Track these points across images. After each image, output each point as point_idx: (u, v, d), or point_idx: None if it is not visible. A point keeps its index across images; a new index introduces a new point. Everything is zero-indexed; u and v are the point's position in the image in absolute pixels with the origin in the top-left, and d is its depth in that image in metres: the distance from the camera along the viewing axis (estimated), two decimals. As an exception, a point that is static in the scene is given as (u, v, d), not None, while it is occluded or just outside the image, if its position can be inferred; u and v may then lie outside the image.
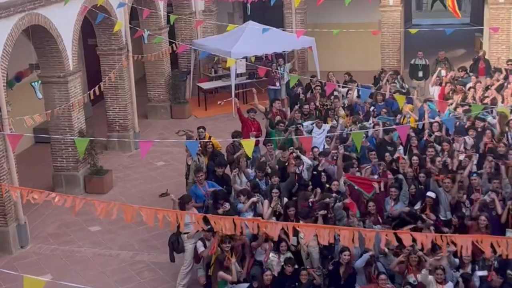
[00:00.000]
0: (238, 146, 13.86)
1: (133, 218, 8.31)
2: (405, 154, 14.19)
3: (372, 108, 16.32)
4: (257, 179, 12.91)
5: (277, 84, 19.97)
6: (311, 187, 12.65)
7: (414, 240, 7.95)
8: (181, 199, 11.87)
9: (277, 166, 13.54)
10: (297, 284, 10.85)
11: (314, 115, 16.10)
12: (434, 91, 18.07)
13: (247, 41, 20.11)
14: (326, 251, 11.47)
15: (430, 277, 10.40)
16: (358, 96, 16.86)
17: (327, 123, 15.72)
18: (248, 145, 10.14)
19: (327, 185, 12.71)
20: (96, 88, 16.35)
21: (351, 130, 14.50)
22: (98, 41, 17.81)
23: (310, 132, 15.29)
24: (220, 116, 20.46)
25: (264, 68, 16.17)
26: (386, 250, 10.95)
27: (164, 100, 20.82)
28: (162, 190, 15.28)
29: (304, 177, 13.24)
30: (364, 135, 13.77)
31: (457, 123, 15.01)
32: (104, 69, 17.81)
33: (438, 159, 13.28)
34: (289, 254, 11.34)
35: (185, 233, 11.59)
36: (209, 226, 11.14)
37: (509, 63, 18.98)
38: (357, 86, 16.53)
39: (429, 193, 11.99)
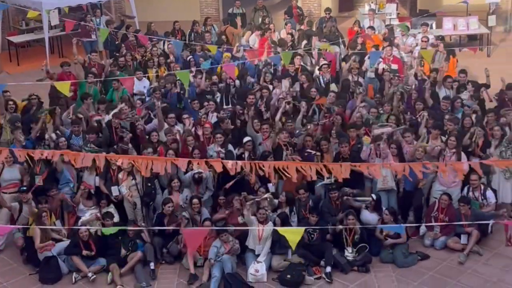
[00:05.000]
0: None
1: None
2: (227, 103, 14.44)
3: (190, 57, 16.28)
4: (73, 135, 12.51)
5: (93, 36, 19.26)
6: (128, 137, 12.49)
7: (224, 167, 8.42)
8: None
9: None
10: (120, 238, 10.83)
11: (131, 67, 15.80)
12: (255, 40, 18.36)
13: (60, -9, 19.11)
14: (147, 198, 11.48)
15: (253, 217, 10.80)
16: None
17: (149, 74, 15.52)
18: (63, 87, 9.87)
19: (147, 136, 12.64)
20: None
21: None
22: None
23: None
24: (35, 71, 19.37)
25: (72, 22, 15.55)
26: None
27: (-31, 56, 19.43)
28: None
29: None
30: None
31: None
32: None
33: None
34: (110, 209, 11.24)
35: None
36: (24, 188, 10.89)
37: (327, 12, 19.66)
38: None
39: (246, 138, 12.25)
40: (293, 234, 9.29)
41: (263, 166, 8.55)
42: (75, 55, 15.96)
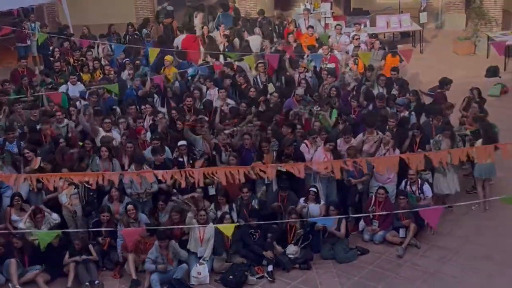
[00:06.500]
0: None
1: None
2: (163, 105, 14.35)
3: (126, 60, 16.12)
4: (7, 142, 12.21)
5: (28, 41, 18.86)
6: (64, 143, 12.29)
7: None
8: None
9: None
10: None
11: (66, 72, 15.54)
12: (179, 41, 18.29)
13: (-12, -4, 18.60)
14: (89, 207, 11.37)
15: (194, 220, 10.78)
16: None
17: (84, 79, 15.29)
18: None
19: (81, 143, 12.48)
20: None
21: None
22: None
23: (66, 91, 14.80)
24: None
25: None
26: None
27: None
28: None
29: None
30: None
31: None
32: None
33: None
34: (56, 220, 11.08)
35: None
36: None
37: (260, 15, 19.74)
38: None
39: (180, 142, 12.13)
40: (227, 228, 9.97)
41: (192, 173, 8.70)
42: None
